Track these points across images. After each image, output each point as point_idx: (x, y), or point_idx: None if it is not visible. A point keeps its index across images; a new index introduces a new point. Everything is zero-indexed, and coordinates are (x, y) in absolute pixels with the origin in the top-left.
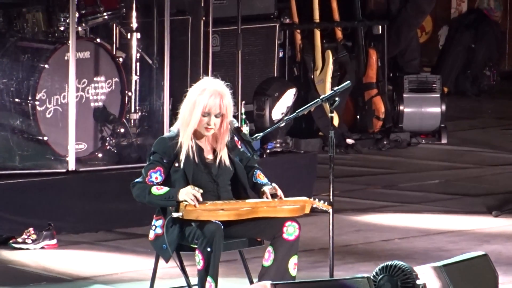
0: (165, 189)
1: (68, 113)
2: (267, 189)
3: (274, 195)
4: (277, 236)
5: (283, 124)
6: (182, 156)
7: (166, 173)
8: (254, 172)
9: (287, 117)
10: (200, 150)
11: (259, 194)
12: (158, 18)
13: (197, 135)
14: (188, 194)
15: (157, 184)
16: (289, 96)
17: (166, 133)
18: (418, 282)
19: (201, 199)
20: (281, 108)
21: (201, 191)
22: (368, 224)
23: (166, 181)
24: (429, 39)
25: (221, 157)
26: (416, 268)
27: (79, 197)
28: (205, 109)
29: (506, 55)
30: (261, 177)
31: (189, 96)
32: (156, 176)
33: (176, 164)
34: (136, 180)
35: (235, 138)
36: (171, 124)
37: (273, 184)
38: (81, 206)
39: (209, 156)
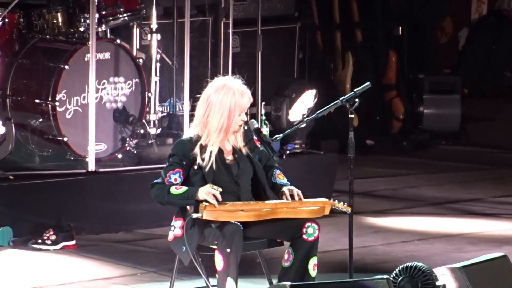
0: (184, 188)
1: (88, 114)
2: (286, 190)
3: (293, 196)
4: (297, 237)
5: (303, 125)
6: (203, 159)
7: (185, 175)
8: (274, 172)
9: (307, 118)
10: (220, 151)
11: (278, 194)
12: (178, 19)
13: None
14: (208, 193)
15: (176, 185)
16: (308, 97)
17: (185, 136)
18: (437, 283)
19: (220, 198)
20: (300, 109)
21: (220, 189)
22: (388, 225)
23: (186, 183)
24: (449, 40)
25: (240, 150)
26: (435, 269)
27: (99, 197)
28: (243, 110)
29: None
30: (280, 177)
31: (217, 101)
32: (175, 177)
33: (195, 167)
34: (155, 181)
35: (255, 138)
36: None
37: (292, 187)
38: (101, 207)
39: (229, 157)
